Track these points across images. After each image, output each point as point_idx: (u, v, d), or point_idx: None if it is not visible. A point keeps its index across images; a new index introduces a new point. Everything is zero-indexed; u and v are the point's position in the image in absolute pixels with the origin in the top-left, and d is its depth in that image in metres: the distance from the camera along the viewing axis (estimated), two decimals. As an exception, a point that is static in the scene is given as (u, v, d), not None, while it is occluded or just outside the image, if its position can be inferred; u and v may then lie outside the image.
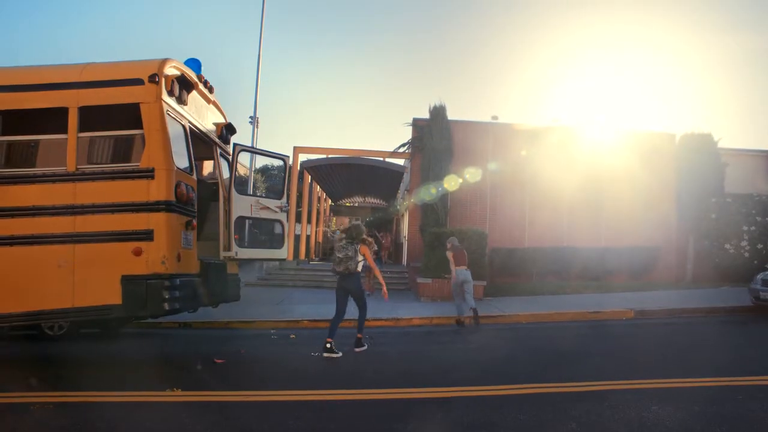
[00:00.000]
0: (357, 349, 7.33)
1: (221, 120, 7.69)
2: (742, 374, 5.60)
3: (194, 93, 6.58)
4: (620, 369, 6.16)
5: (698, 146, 17.41)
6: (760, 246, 16.27)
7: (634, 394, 4.85)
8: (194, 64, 6.62)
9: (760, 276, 10.72)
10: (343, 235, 7.65)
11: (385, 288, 7.96)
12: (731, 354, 7.14)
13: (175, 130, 5.93)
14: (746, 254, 16.30)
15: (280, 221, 7.62)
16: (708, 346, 7.94)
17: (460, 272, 10.47)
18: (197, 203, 6.26)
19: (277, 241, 7.73)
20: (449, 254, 10.75)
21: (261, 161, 35.55)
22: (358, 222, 7.89)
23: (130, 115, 5.68)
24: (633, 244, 16.92)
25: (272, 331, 9.62)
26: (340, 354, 6.99)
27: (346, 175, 22.55)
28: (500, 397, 4.90)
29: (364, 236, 7.63)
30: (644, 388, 5.07)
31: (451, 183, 16.70)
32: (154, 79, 5.66)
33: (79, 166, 5.65)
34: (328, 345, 6.99)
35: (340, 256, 7.37)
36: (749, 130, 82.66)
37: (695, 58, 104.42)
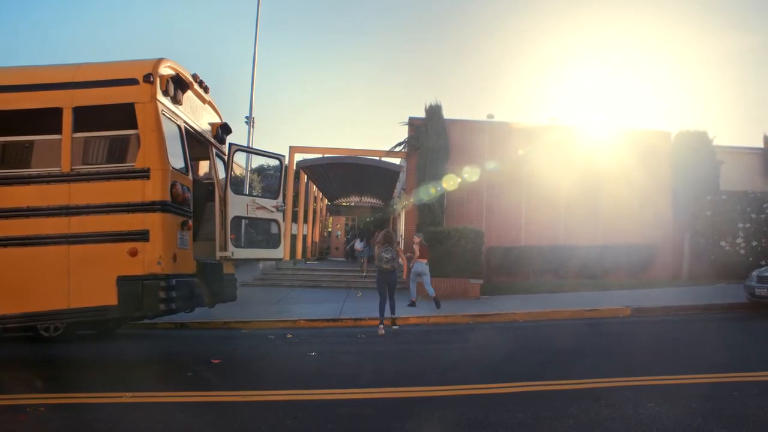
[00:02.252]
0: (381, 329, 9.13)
1: (217, 120, 7.66)
2: (738, 370, 5.62)
3: (189, 93, 6.56)
4: (617, 366, 6.18)
5: (694, 144, 17.49)
6: (755, 243, 16.35)
7: (630, 392, 4.86)
8: None
9: (755, 273, 10.77)
10: (383, 241, 9.55)
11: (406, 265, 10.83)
12: (727, 350, 7.17)
13: (170, 130, 5.90)
14: (742, 251, 16.38)
15: (276, 221, 7.60)
16: (704, 343, 7.97)
17: (421, 264, 11.87)
18: (193, 203, 6.24)
19: (273, 241, 7.72)
20: (416, 247, 12.05)
21: (257, 161, 35.40)
22: (389, 229, 9.89)
23: (125, 116, 5.64)
24: (629, 242, 16.98)
25: (265, 331, 9.60)
26: (384, 332, 8.93)
27: (343, 175, 22.52)
28: (498, 396, 4.90)
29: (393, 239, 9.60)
30: (641, 385, 5.09)
31: (447, 182, 16.72)
32: (148, 78, 5.63)
33: (73, 167, 5.62)
34: (382, 326, 9.09)
35: (388, 256, 9.21)
36: (744, 128, 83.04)
37: (690, 57, 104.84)
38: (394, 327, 9.49)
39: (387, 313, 9.42)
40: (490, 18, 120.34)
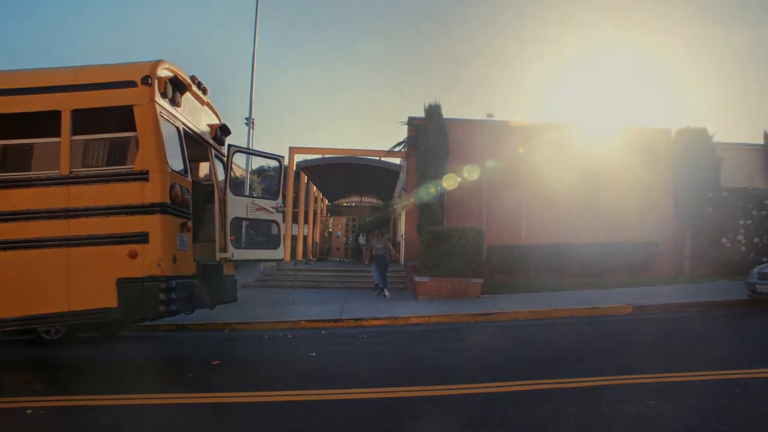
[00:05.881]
0: (385, 293, 14.29)
1: (215, 121, 7.65)
2: (739, 367, 5.60)
3: (188, 94, 6.55)
4: (618, 364, 6.16)
5: (694, 141, 17.45)
6: (756, 239, 16.32)
7: (632, 389, 4.85)
8: None
9: (756, 269, 10.75)
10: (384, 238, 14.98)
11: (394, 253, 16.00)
12: (728, 347, 7.16)
13: (168, 132, 5.89)
14: (743, 248, 16.35)
15: (276, 222, 7.59)
16: (705, 340, 7.96)
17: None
18: (193, 205, 6.24)
19: (273, 242, 7.71)
20: (390, 245, 15.32)
21: (257, 162, 35.44)
22: (381, 229, 14.58)
23: (123, 118, 5.64)
24: (630, 240, 16.96)
25: (266, 333, 9.60)
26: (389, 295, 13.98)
27: (343, 175, 22.55)
28: (498, 394, 4.90)
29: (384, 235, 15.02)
30: (642, 383, 5.08)
31: (447, 181, 16.72)
32: (146, 81, 5.63)
33: (72, 170, 5.62)
34: (386, 292, 14.26)
35: (380, 246, 14.62)
36: (744, 124, 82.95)
37: (689, 54, 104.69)
38: (385, 294, 14.05)
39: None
40: (489, 17, 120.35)
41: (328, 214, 32.25)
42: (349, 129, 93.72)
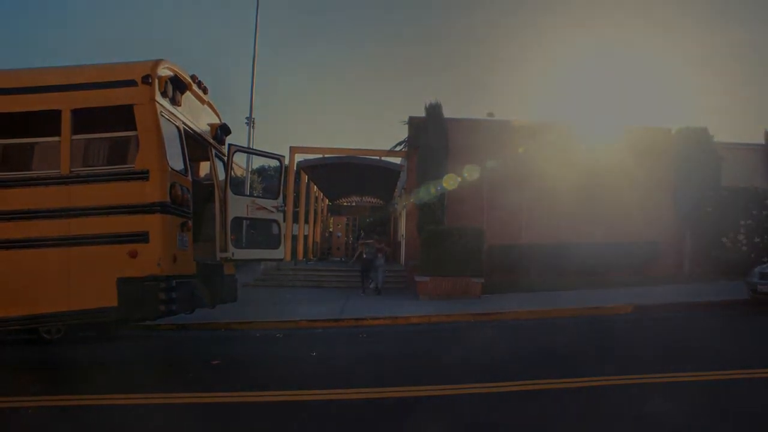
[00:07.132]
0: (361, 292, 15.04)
1: (216, 121, 7.64)
2: (740, 367, 5.60)
3: (188, 94, 6.54)
4: (619, 364, 6.16)
5: (694, 140, 17.42)
6: (757, 239, 16.29)
7: (633, 389, 4.85)
8: None
9: (757, 269, 10.73)
10: (368, 241, 16.20)
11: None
12: (729, 347, 7.15)
13: (169, 131, 5.88)
14: (743, 248, 16.31)
15: (276, 221, 7.59)
16: (706, 340, 7.95)
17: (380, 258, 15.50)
18: (193, 204, 6.23)
19: (273, 242, 7.70)
20: (378, 245, 15.95)
21: (258, 162, 35.46)
22: (378, 237, 16.53)
23: (123, 117, 5.63)
24: (631, 239, 16.92)
25: (266, 332, 9.60)
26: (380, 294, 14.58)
27: (343, 175, 22.51)
28: (500, 394, 4.89)
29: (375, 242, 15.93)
30: (644, 383, 5.07)
31: (448, 181, 16.67)
32: (147, 80, 5.62)
33: (73, 169, 5.61)
34: (372, 286, 15.22)
35: (368, 251, 15.48)
36: (744, 124, 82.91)
37: (689, 53, 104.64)
38: (378, 293, 14.76)
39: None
40: (490, 17, 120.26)
41: (329, 214, 32.22)
42: (349, 128, 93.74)
